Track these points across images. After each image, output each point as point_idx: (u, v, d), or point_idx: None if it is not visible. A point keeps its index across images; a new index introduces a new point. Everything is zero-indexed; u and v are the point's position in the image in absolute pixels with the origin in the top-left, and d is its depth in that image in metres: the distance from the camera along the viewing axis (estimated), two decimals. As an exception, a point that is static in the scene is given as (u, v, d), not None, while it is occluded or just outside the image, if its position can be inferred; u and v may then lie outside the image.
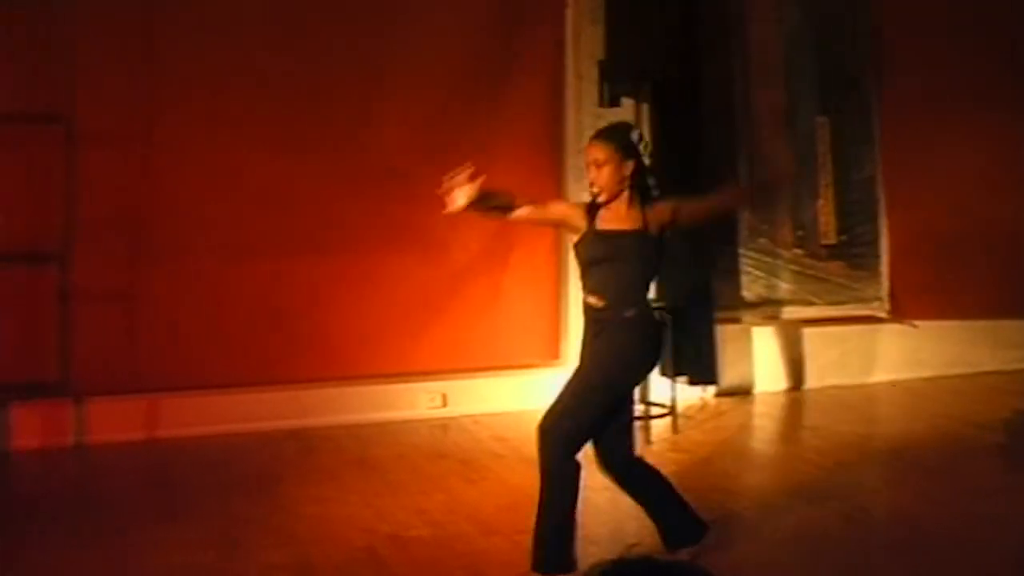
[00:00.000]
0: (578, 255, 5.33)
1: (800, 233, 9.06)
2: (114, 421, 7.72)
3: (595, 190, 5.27)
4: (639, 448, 7.73)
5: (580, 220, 5.31)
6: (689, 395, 8.62)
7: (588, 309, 5.29)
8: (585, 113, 8.45)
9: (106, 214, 7.68)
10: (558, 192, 8.43)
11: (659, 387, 8.29)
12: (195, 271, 7.79)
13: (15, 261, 7.52)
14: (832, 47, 9.12)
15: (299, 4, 8.02)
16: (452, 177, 5.18)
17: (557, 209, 5.64)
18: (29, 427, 7.61)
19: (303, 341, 8.03)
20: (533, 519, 6.06)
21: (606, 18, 8.17)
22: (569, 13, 8.49)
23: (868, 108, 9.15)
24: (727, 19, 8.82)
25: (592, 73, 8.34)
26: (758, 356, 9.05)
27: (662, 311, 8.18)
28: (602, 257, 5.24)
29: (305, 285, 8.01)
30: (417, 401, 8.30)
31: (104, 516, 6.39)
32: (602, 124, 8.38)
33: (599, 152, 5.28)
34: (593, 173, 5.27)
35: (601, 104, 8.30)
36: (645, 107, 8.32)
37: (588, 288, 5.28)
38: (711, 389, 8.76)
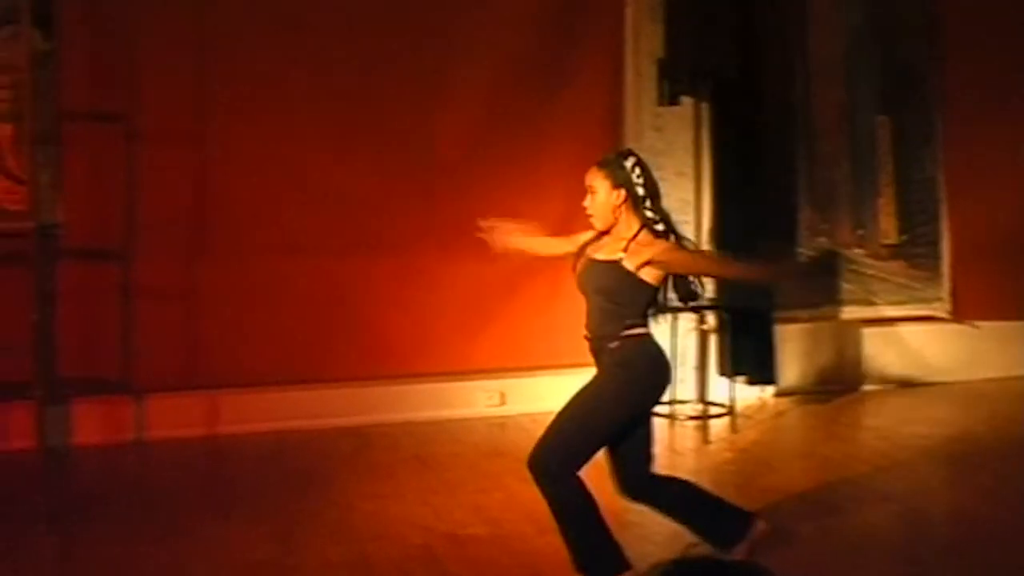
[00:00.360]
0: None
1: (860, 233, 9.01)
2: (174, 417, 7.77)
3: (591, 218, 5.24)
4: (697, 447, 7.73)
5: (579, 248, 5.32)
6: (748, 395, 8.58)
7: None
8: (644, 112, 8.44)
9: (167, 211, 7.74)
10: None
11: (718, 387, 8.28)
12: (254, 268, 7.84)
13: (79, 258, 7.59)
14: (894, 45, 9.06)
15: (358, 2, 8.03)
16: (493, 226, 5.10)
17: (579, 238, 5.56)
18: (91, 423, 7.68)
19: (361, 338, 8.05)
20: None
21: (666, 16, 8.15)
22: (629, 11, 8.47)
23: (930, 107, 9.09)
24: (787, 17, 8.78)
25: (651, 71, 8.33)
26: (817, 356, 9.00)
27: (720, 310, 8.22)
28: (581, 287, 5.24)
29: (363, 282, 8.04)
30: (475, 399, 8.31)
31: (164, 512, 6.45)
32: (661, 122, 8.45)
33: (591, 179, 5.25)
34: (588, 201, 5.23)
35: (660, 103, 8.28)
36: (704, 106, 8.29)
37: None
38: (770, 389, 8.72)
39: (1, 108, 7.45)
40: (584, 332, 5.26)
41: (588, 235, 5.34)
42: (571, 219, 8.27)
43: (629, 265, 5.07)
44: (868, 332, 9.06)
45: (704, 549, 5.37)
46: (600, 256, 5.18)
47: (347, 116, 7.96)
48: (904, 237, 9.06)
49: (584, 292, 5.22)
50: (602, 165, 5.27)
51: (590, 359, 8.40)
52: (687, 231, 8.31)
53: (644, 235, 5.13)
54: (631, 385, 5.17)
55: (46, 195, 7.20)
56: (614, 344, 5.15)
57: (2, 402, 7.30)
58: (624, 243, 5.12)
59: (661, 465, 7.46)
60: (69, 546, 6.01)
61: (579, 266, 5.27)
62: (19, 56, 6.48)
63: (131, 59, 7.63)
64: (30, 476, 6.31)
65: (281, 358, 7.91)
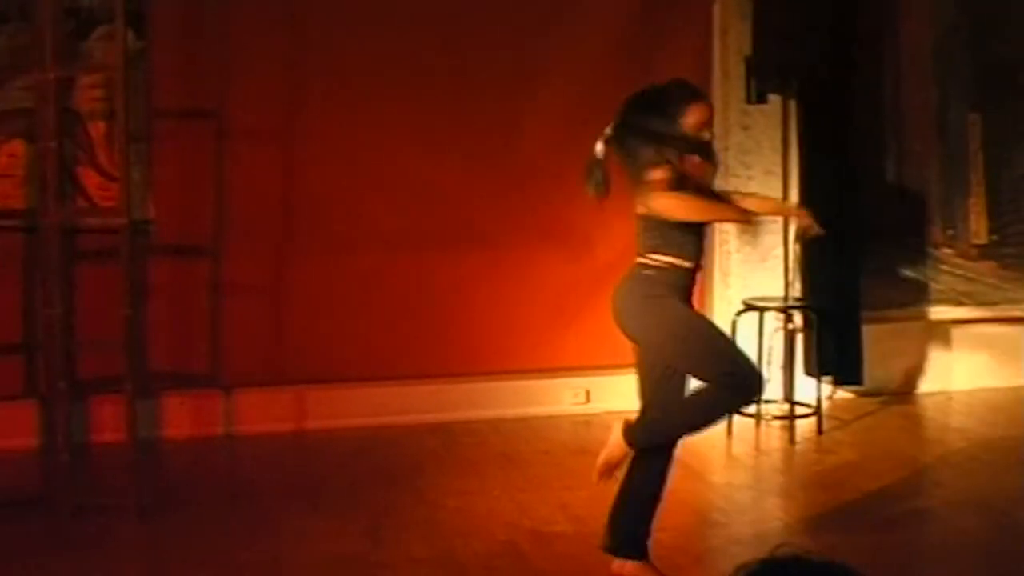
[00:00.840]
0: None
1: (950, 232, 8.92)
2: (262, 412, 7.85)
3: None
4: (783, 448, 7.69)
5: None
6: (834, 395, 8.53)
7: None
8: (732, 110, 8.40)
9: (256, 208, 7.81)
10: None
11: (804, 387, 8.23)
12: (343, 264, 7.89)
13: (169, 254, 7.69)
14: (986, 42, 8.95)
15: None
16: None
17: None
18: (180, 417, 7.77)
19: (448, 335, 8.08)
20: (675, 516, 6.09)
21: (754, 13, 8.11)
22: (716, 9, 8.44)
23: (1021, 106, 8.97)
24: (878, 14, 8.70)
25: (739, 69, 8.29)
26: (905, 357, 8.92)
27: (807, 309, 8.18)
28: None
29: (450, 279, 8.07)
30: (561, 397, 8.32)
31: (253, 505, 6.52)
32: (749, 120, 8.41)
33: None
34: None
35: (748, 101, 8.24)
36: (792, 103, 8.24)
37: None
38: (857, 389, 8.65)
39: (95, 106, 7.56)
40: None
41: None
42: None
43: None
44: (957, 333, 8.96)
45: (791, 549, 5.34)
46: None
47: (437, 112, 7.99)
48: (994, 237, 8.95)
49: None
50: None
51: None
52: (775, 230, 8.31)
53: None
54: None
55: (137, 192, 7.28)
56: None
57: (94, 396, 7.40)
58: None
59: (747, 465, 7.49)
60: (160, 538, 6.09)
61: None
62: (113, 55, 6.55)
63: (222, 56, 7.71)
64: (121, 468, 6.39)
65: (369, 354, 7.95)
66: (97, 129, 7.58)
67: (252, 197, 7.80)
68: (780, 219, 8.23)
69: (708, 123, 5.35)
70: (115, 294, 6.40)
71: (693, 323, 5.37)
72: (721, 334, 5.56)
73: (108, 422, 7.19)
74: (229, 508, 6.50)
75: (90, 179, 7.57)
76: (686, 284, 5.31)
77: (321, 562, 5.69)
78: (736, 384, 5.20)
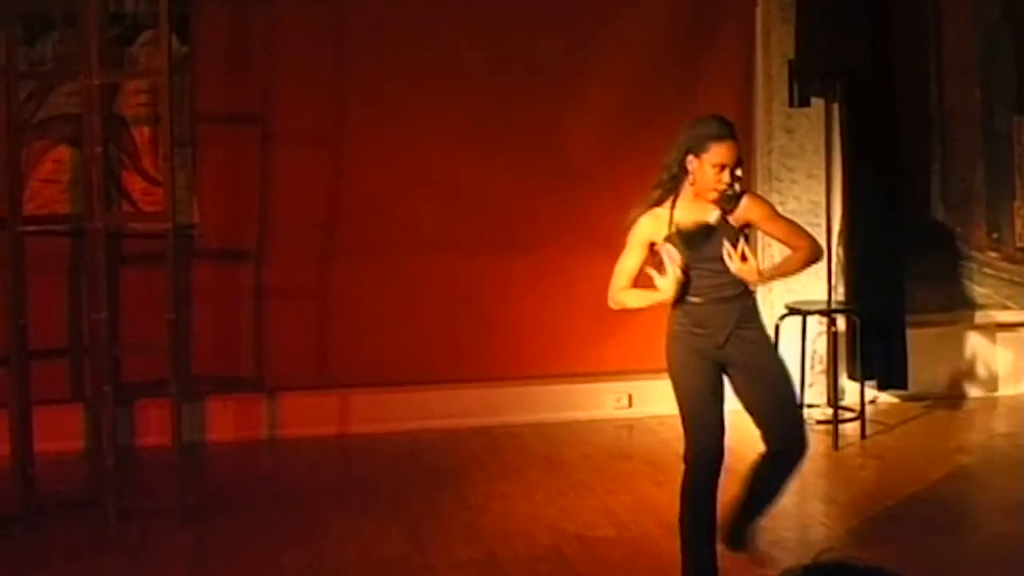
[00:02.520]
0: None
1: (995, 236, 8.86)
2: (306, 416, 7.87)
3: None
4: (827, 452, 7.66)
5: None
6: (879, 399, 8.48)
7: None
8: (775, 113, 8.37)
9: (300, 212, 7.84)
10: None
11: (848, 391, 8.19)
12: (386, 268, 7.91)
13: (214, 258, 7.73)
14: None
15: (493, 4, 8.07)
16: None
17: None
18: (225, 420, 7.81)
19: (491, 339, 8.09)
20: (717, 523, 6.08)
21: (797, 17, 8.08)
22: (759, 12, 8.42)
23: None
24: (922, 17, 8.66)
25: (782, 72, 8.27)
26: (950, 361, 8.87)
27: (851, 313, 8.14)
28: None
29: (494, 283, 8.07)
30: (603, 401, 8.31)
31: (297, 509, 6.54)
32: (792, 124, 8.39)
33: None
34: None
35: (791, 104, 8.23)
36: (835, 107, 8.21)
37: None
38: (901, 393, 8.60)
39: (140, 112, 7.61)
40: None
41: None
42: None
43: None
44: (1003, 337, 8.90)
45: (835, 554, 5.33)
46: None
47: (481, 116, 8.00)
48: (1041, 238, 8.89)
49: None
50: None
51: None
52: (818, 233, 8.28)
53: None
54: None
55: (182, 196, 7.32)
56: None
57: (139, 399, 7.45)
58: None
59: (792, 469, 7.44)
60: (204, 541, 6.12)
61: None
62: (157, 60, 6.59)
63: (266, 61, 7.74)
64: (166, 471, 6.42)
65: (412, 358, 7.97)
66: (142, 134, 7.63)
67: (296, 201, 7.83)
68: (823, 221, 8.20)
69: (728, 164, 5.16)
70: (160, 298, 6.44)
71: (674, 377, 5.54)
72: (685, 399, 5.48)
73: (153, 426, 7.25)
74: (273, 512, 6.52)
75: (135, 184, 7.62)
76: (699, 319, 5.31)
77: (364, 565, 5.70)
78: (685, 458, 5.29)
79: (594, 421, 8.17)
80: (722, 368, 5.33)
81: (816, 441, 7.88)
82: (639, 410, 8.29)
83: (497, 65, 8.04)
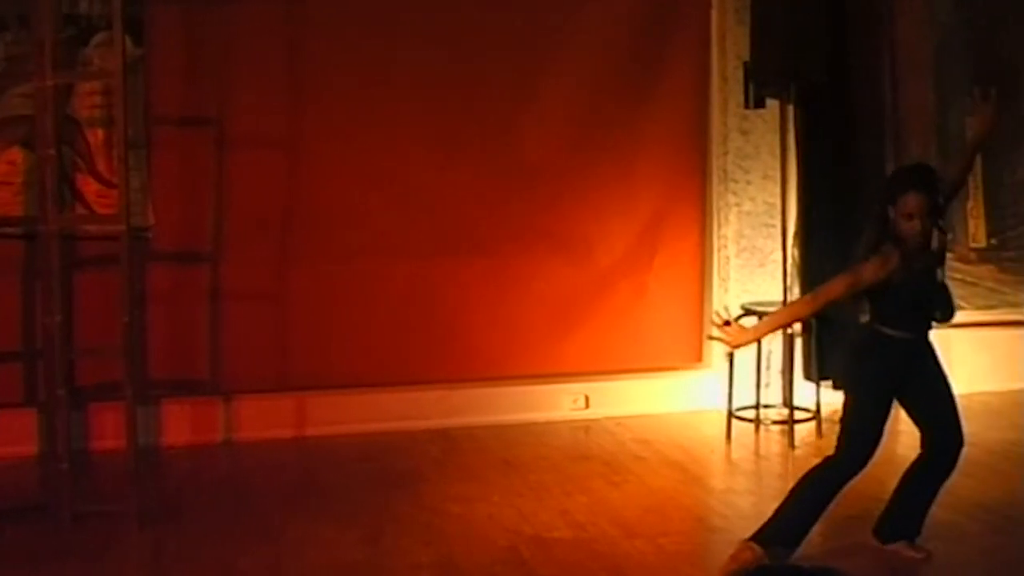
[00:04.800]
0: None
1: (949, 236, 8.91)
2: (262, 419, 7.85)
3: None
4: (783, 452, 7.70)
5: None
6: (833, 399, 8.51)
7: None
8: (730, 114, 8.41)
9: (256, 214, 7.81)
10: (702, 193, 8.45)
11: (803, 391, 8.22)
12: (343, 271, 7.89)
13: (168, 261, 7.68)
14: (985, 45, 8.95)
15: (451, 5, 8.05)
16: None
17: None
18: (180, 423, 7.77)
19: (448, 341, 8.08)
20: (676, 522, 6.12)
21: (752, 19, 8.11)
22: (714, 14, 8.45)
23: (1021, 109, 8.97)
24: (876, 19, 8.70)
25: (737, 74, 8.30)
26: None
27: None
28: None
29: (450, 285, 8.07)
30: (560, 402, 8.32)
31: (254, 512, 6.51)
32: (747, 125, 8.42)
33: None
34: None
35: (746, 105, 8.26)
36: (790, 108, 8.25)
37: None
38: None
39: (94, 113, 7.56)
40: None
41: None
42: (659, 222, 8.33)
43: None
44: (957, 336, 8.94)
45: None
46: None
47: (438, 118, 7.99)
48: (993, 241, 8.96)
49: None
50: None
51: (674, 362, 8.48)
52: (773, 235, 8.32)
53: None
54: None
55: (136, 199, 7.29)
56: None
57: (94, 403, 7.41)
58: None
59: (747, 470, 7.50)
60: (160, 545, 6.08)
61: None
62: (111, 62, 6.54)
63: (221, 63, 7.71)
64: (121, 475, 6.38)
65: (369, 360, 7.95)
66: (96, 136, 7.58)
67: (252, 204, 7.79)
68: (778, 222, 8.24)
69: (915, 212, 5.40)
70: (114, 301, 6.39)
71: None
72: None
73: (108, 429, 7.20)
74: (229, 515, 6.49)
75: (89, 186, 7.57)
76: None
77: (322, 569, 5.69)
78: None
79: (551, 422, 8.18)
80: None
81: (773, 442, 7.94)
82: (596, 411, 8.31)
83: (454, 67, 8.03)
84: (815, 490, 5.58)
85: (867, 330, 5.64)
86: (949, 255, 8.48)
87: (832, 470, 5.58)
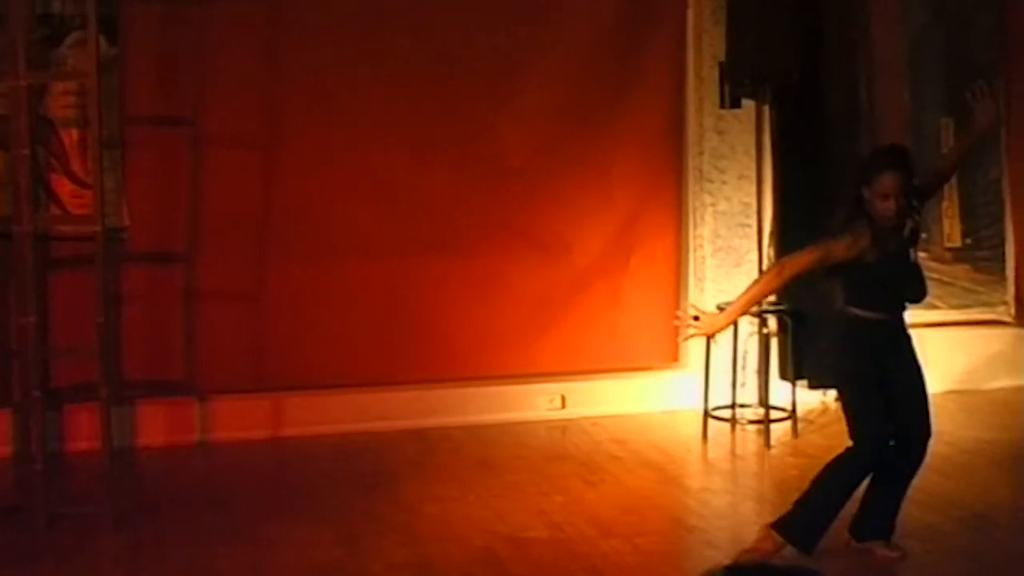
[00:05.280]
0: None
1: (923, 236, 8.94)
2: (238, 420, 7.82)
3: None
4: (759, 452, 7.71)
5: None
6: (809, 399, 8.54)
7: None
8: (706, 114, 8.41)
9: (231, 215, 7.78)
10: (678, 193, 8.45)
11: (779, 391, 8.24)
12: (319, 271, 7.86)
13: (144, 261, 7.66)
14: (958, 47, 8.98)
15: (426, 6, 8.05)
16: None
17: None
18: (156, 424, 7.74)
19: (424, 341, 8.07)
20: (652, 522, 6.13)
21: (728, 19, 8.13)
22: (690, 14, 8.45)
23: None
24: (850, 19, 8.73)
25: (713, 74, 8.31)
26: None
27: (781, 314, 8.19)
28: None
29: (427, 286, 8.05)
30: (536, 402, 8.31)
31: (230, 513, 6.50)
32: (723, 125, 8.43)
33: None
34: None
35: (722, 105, 8.27)
36: (766, 108, 8.27)
37: None
38: (831, 393, 8.66)
39: (68, 113, 7.53)
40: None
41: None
42: (635, 222, 8.34)
43: None
44: (931, 336, 8.97)
45: (755, 555, 5.42)
46: None
47: (414, 118, 7.97)
48: (968, 240, 8.98)
49: None
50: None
51: (650, 362, 8.48)
52: (749, 234, 8.34)
53: None
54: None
55: (111, 199, 7.26)
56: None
57: (68, 404, 7.37)
58: None
59: (723, 469, 7.52)
60: (136, 546, 6.07)
61: None
62: (86, 62, 6.52)
63: (197, 63, 7.68)
64: (96, 476, 6.37)
65: (345, 360, 7.93)
66: (70, 136, 7.55)
67: (227, 203, 7.77)
68: (754, 222, 8.27)
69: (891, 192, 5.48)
70: (89, 302, 6.38)
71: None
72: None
73: (83, 430, 7.17)
74: (205, 516, 6.48)
75: (63, 187, 7.54)
76: None
77: (298, 569, 5.69)
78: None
79: (527, 422, 8.17)
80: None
81: (748, 441, 7.95)
82: (572, 411, 8.31)
83: (430, 67, 8.01)
84: (838, 481, 5.63)
85: (841, 318, 5.67)
86: (924, 255, 8.54)
87: (852, 461, 5.62)
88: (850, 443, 5.63)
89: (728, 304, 7.96)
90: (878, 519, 5.75)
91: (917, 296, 5.77)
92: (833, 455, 7.33)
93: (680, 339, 5.63)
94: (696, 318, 5.62)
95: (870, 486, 5.74)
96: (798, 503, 5.66)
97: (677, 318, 5.92)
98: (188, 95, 7.70)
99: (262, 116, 7.82)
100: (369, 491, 6.80)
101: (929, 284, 8.75)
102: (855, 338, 5.64)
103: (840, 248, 5.52)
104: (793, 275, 5.69)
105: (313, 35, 7.83)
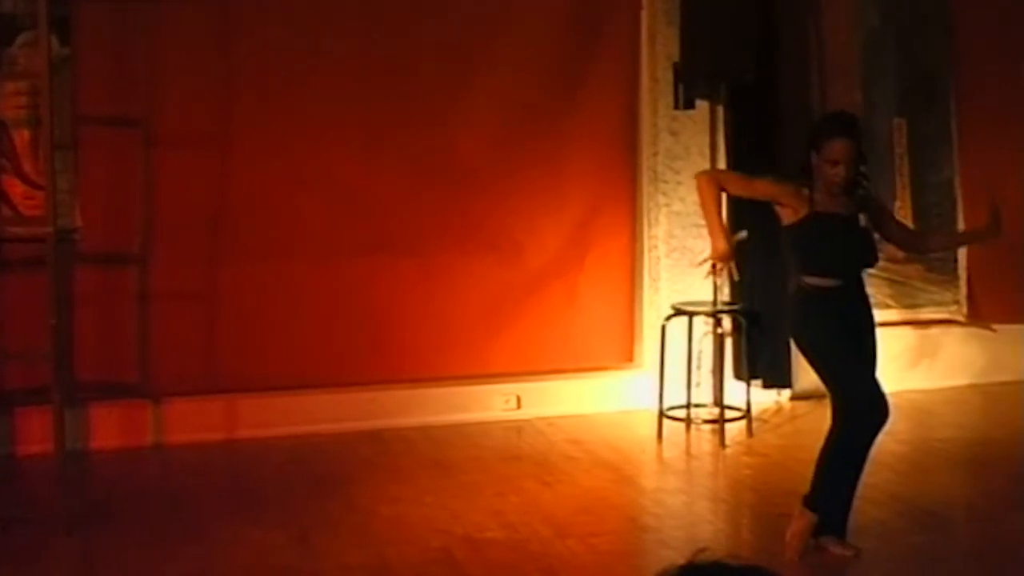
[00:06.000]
0: None
1: (875, 236, 8.99)
2: (192, 421, 7.78)
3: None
4: (714, 451, 7.73)
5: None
6: (764, 398, 8.57)
7: None
8: (660, 115, 8.43)
9: (185, 216, 7.74)
10: (633, 193, 8.47)
11: (734, 390, 8.27)
12: (272, 272, 7.84)
13: (97, 262, 7.61)
14: (910, 48, 9.04)
15: (379, 6, 8.03)
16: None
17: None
18: (109, 427, 7.68)
19: (379, 342, 8.05)
20: (607, 521, 6.15)
21: (682, 20, 8.15)
22: (644, 15, 8.47)
23: (946, 110, 9.06)
24: (804, 20, 8.77)
25: (667, 75, 8.33)
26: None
27: (736, 313, 8.23)
28: None
29: (380, 285, 8.04)
30: (492, 403, 8.31)
31: (184, 516, 6.47)
32: (677, 126, 8.46)
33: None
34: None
35: (676, 106, 8.29)
36: (720, 109, 8.29)
37: None
38: (786, 392, 8.71)
39: (19, 114, 7.47)
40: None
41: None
42: (589, 222, 8.35)
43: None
44: (884, 335, 8.99)
45: (713, 554, 5.40)
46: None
47: (368, 120, 7.96)
48: (921, 241, 9.03)
49: None
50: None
51: (605, 362, 8.49)
52: (704, 235, 8.35)
53: None
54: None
55: (64, 200, 7.20)
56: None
57: (20, 406, 7.32)
58: None
59: (678, 469, 7.53)
60: (90, 550, 6.04)
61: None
62: (37, 62, 6.49)
63: (149, 63, 7.64)
64: (49, 480, 6.33)
65: (299, 361, 7.91)
66: (22, 137, 7.48)
67: (181, 204, 7.73)
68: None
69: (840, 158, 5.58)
70: (41, 303, 6.34)
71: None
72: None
73: (35, 433, 7.12)
74: (160, 519, 6.45)
75: (15, 188, 7.48)
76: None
77: (252, 572, 5.67)
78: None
79: (483, 423, 8.16)
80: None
81: (703, 440, 7.98)
82: (528, 411, 8.31)
83: (383, 67, 8.00)
84: (839, 457, 5.68)
85: (798, 293, 5.70)
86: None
87: (843, 434, 5.66)
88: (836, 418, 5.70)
89: (681, 308, 8.04)
90: (831, 509, 5.73)
91: (868, 261, 5.82)
92: (786, 454, 7.41)
93: (706, 275, 5.83)
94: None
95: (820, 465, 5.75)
96: (816, 480, 5.72)
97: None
98: (141, 95, 7.65)
99: (215, 116, 7.78)
100: (324, 493, 6.78)
101: (881, 284, 8.95)
102: (815, 307, 5.66)
103: (770, 188, 5.65)
104: (724, 186, 6.05)
105: (265, 35, 7.81)
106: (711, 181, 6.00)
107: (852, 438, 5.63)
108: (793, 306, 5.87)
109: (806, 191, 5.60)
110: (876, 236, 5.98)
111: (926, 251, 7.07)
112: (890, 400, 5.69)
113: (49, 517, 6.20)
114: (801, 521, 5.66)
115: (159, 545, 6.01)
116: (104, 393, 7.65)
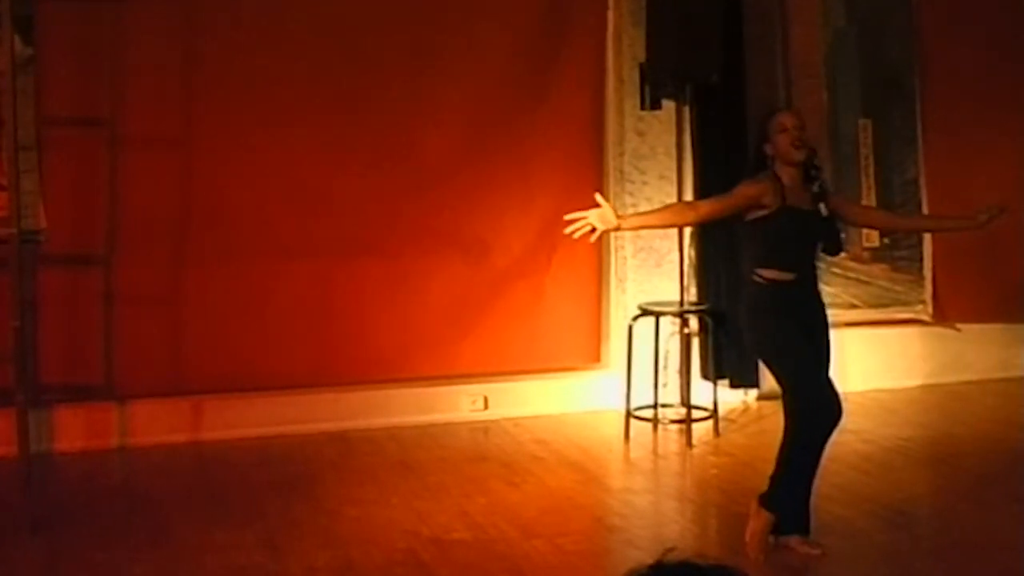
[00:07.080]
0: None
1: (842, 236, 9.02)
2: (157, 423, 7.76)
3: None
4: (681, 451, 7.74)
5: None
6: (730, 398, 8.59)
7: None
8: (626, 116, 8.45)
9: (150, 217, 7.71)
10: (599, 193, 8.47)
11: (701, 390, 8.28)
12: (238, 273, 7.82)
13: (61, 264, 7.57)
14: (876, 48, 9.08)
15: (343, 6, 8.01)
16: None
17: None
18: (73, 429, 7.65)
19: (345, 343, 8.04)
20: (574, 521, 6.14)
21: (648, 20, 8.16)
22: (611, 15, 8.48)
23: (911, 110, 9.10)
24: (769, 21, 8.80)
25: (633, 75, 8.35)
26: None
27: (702, 313, 8.24)
28: None
29: (347, 287, 8.02)
30: (458, 404, 8.30)
31: (149, 518, 6.44)
32: (643, 126, 8.47)
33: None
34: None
35: (642, 107, 8.31)
36: (686, 109, 8.31)
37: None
38: (753, 392, 8.73)
39: (-18, 114, 7.43)
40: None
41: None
42: (556, 220, 8.32)
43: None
44: (850, 335, 9.06)
45: (681, 554, 5.40)
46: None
47: (334, 121, 7.94)
48: (886, 240, 9.07)
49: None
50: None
51: (572, 363, 8.49)
52: (670, 235, 8.37)
53: None
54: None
55: (28, 201, 7.17)
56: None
57: (-17, 409, 7.28)
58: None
59: (645, 469, 7.54)
60: (54, 553, 6.00)
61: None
62: (0, 62, 6.45)
63: (113, 63, 7.61)
64: (13, 482, 6.29)
65: (266, 363, 7.88)
66: (-16, 137, 7.44)
67: (145, 206, 7.70)
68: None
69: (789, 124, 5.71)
70: (5, 305, 6.30)
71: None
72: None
73: (-1, 436, 7.08)
74: (125, 521, 6.41)
75: (-22, 189, 7.44)
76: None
77: (219, 573, 5.64)
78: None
79: (449, 424, 8.16)
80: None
81: (670, 440, 7.98)
82: (494, 412, 8.31)
83: (348, 68, 7.98)
84: (794, 456, 5.68)
85: (752, 288, 5.70)
86: (843, 255, 8.64)
87: (797, 433, 5.67)
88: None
89: (648, 308, 8.04)
90: (795, 508, 5.75)
91: (833, 249, 5.84)
92: (753, 454, 7.42)
93: (570, 230, 5.66)
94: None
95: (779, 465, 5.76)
96: (773, 479, 5.72)
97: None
98: (105, 96, 7.62)
99: (179, 117, 7.76)
100: (290, 494, 6.76)
101: (847, 284, 8.99)
102: (771, 300, 5.67)
103: (750, 189, 5.69)
104: (699, 219, 6.12)
105: (230, 36, 7.79)
106: (681, 215, 6.30)
107: (806, 437, 5.64)
108: (747, 299, 5.84)
109: (779, 184, 5.63)
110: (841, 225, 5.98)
111: (903, 229, 7.04)
112: (845, 400, 5.70)
113: (13, 519, 6.17)
114: (758, 520, 5.67)
115: (124, 547, 5.98)
116: (69, 395, 7.61)
